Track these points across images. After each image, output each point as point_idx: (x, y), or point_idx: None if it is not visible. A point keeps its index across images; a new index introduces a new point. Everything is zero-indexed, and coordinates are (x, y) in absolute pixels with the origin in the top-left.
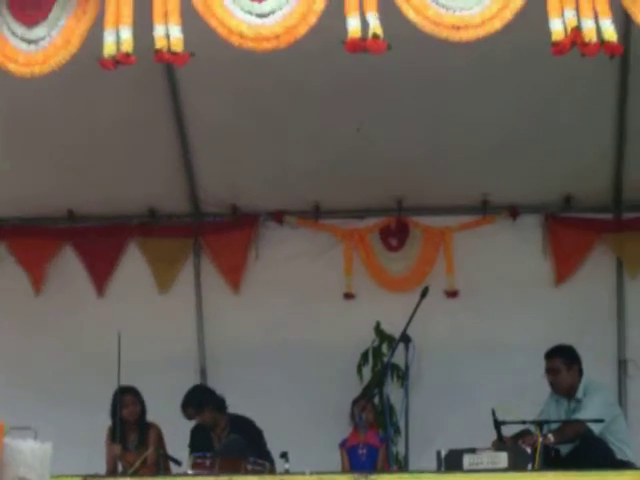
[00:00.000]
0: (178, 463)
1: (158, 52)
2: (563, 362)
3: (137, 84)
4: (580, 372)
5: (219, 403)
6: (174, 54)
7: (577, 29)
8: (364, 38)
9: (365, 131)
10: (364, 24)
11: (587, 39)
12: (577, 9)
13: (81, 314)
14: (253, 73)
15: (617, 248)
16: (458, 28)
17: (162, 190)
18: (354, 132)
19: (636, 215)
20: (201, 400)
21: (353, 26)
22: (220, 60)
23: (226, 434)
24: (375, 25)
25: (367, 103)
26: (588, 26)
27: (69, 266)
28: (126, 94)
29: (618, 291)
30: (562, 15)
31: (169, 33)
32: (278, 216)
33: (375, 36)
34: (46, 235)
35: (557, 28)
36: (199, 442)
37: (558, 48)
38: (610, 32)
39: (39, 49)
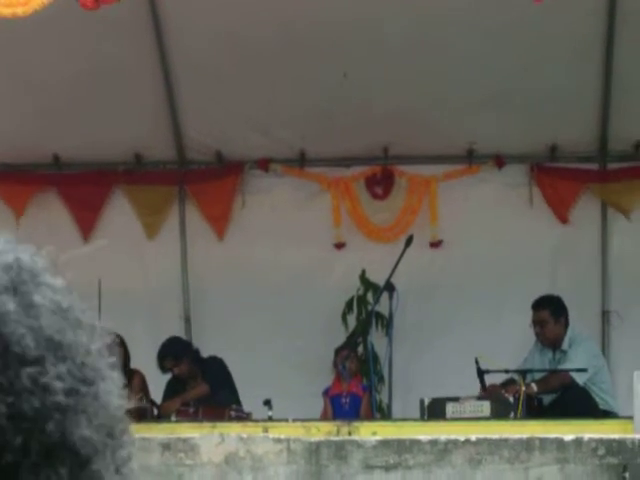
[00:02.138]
0: (158, 407)
1: None
2: (550, 314)
3: (121, 27)
4: (566, 323)
5: (195, 354)
6: None
7: None
8: None
9: (351, 79)
10: None
11: None
12: None
13: (66, 259)
14: (239, 17)
15: (603, 198)
16: None
17: (148, 137)
18: (341, 79)
19: (621, 165)
20: (178, 351)
21: None
22: (204, 4)
23: (200, 380)
24: None
25: (353, 50)
26: None
27: (54, 212)
28: (111, 38)
29: (602, 242)
30: None
31: None
32: (263, 164)
33: None
34: (31, 181)
35: None
36: (173, 393)
37: None
38: None
39: None
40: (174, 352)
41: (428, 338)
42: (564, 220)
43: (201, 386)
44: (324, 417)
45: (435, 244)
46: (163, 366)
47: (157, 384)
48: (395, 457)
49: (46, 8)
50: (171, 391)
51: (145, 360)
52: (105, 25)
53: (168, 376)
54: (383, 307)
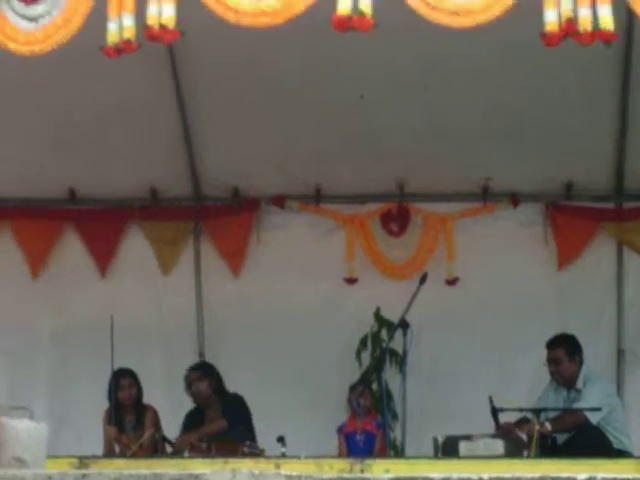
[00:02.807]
0: (174, 445)
1: (148, 28)
2: (565, 352)
3: (139, 64)
4: (581, 362)
5: (220, 384)
6: (163, 30)
7: (571, 20)
8: (350, 16)
9: (367, 115)
10: (355, 1)
11: (581, 29)
12: None
13: (82, 295)
14: (255, 55)
15: (618, 237)
16: (457, 14)
17: (164, 173)
18: (355, 117)
19: (637, 204)
20: (207, 370)
21: (344, 3)
22: (221, 38)
23: (220, 415)
24: (364, 2)
25: (368, 87)
26: (584, 14)
27: (71, 247)
28: (128, 75)
29: (618, 280)
30: (558, 6)
31: (162, 12)
32: (279, 200)
33: (362, 13)
34: (48, 216)
35: (551, 19)
36: (192, 426)
37: (547, 39)
38: (607, 20)
39: (39, 27)
40: (203, 368)
41: (442, 375)
42: (564, 265)
43: (219, 421)
44: (339, 454)
45: (451, 282)
46: (188, 378)
47: (170, 419)
48: None
49: (64, 46)
50: (190, 423)
51: (158, 395)
52: (122, 62)
53: (182, 410)
54: (397, 344)
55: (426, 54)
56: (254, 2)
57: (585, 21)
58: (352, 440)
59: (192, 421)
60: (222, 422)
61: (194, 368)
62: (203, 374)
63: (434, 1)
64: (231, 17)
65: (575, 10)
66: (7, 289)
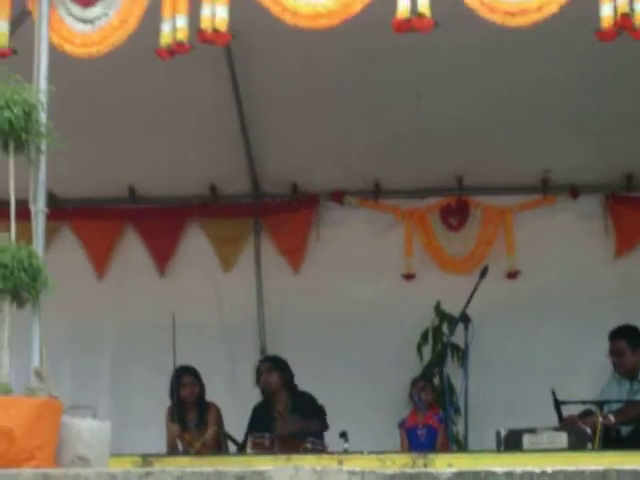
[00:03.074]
0: (237, 443)
1: (201, 31)
2: (627, 344)
3: (197, 63)
4: None
5: (291, 379)
6: (216, 33)
7: (627, 15)
8: (409, 18)
9: (425, 108)
10: (414, 3)
11: (637, 23)
12: None
13: (143, 294)
14: (312, 48)
15: None
16: (513, 14)
17: (223, 170)
18: (413, 109)
19: None
20: (279, 363)
21: (402, 4)
22: (278, 36)
23: (288, 411)
24: (422, 3)
25: (425, 79)
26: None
27: (131, 246)
28: (186, 72)
29: None
30: (614, 0)
31: (215, 13)
32: (338, 196)
33: (421, 15)
34: (108, 216)
35: (607, 14)
36: (259, 420)
37: (603, 34)
38: None
39: (95, 29)
40: (274, 361)
41: (504, 369)
42: (622, 253)
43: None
44: (401, 449)
45: (512, 274)
46: (259, 369)
47: (233, 417)
48: None
49: (121, 48)
50: (257, 417)
51: (221, 392)
52: (181, 61)
53: (245, 408)
54: (458, 338)
55: (483, 47)
56: (311, 3)
57: None
58: (414, 435)
59: (259, 415)
60: (315, 423)
61: (265, 360)
62: (273, 366)
63: (491, 1)
64: (288, 18)
65: (631, 4)
66: (71, 289)
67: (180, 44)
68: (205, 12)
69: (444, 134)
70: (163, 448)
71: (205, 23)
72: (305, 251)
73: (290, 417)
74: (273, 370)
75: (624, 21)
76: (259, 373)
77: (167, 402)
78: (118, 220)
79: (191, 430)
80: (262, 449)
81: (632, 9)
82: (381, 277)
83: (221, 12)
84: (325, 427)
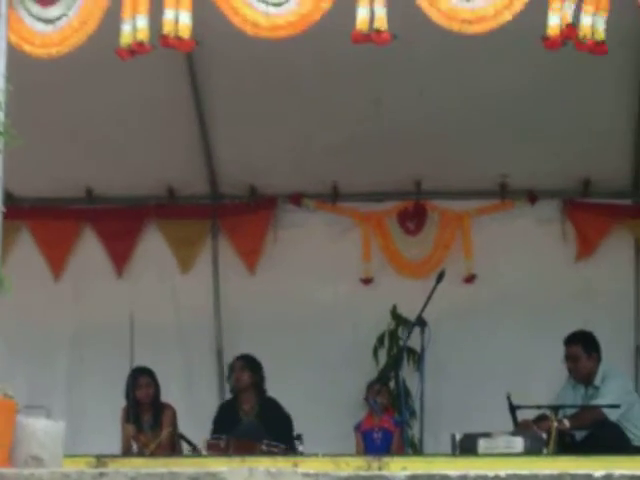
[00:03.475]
0: (192, 445)
1: (164, 37)
2: (582, 349)
3: (156, 63)
4: (599, 359)
5: (262, 382)
6: (179, 40)
7: (572, 25)
8: (368, 33)
9: (383, 112)
10: (372, 15)
11: (582, 35)
12: (578, 4)
13: (99, 295)
14: (271, 52)
15: (635, 234)
16: (470, 22)
17: (181, 171)
18: (372, 113)
19: None
20: (254, 364)
21: (361, 17)
22: (238, 39)
23: (254, 415)
24: (379, 18)
25: (384, 83)
26: (586, 22)
27: (88, 247)
28: (144, 73)
29: (635, 278)
30: (561, 9)
31: (178, 18)
32: (296, 199)
33: (378, 30)
34: (65, 217)
35: (554, 23)
36: (224, 419)
37: (550, 42)
38: (599, 32)
39: (56, 30)
40: (248, 360)
41: (460, 373)
42: (583, 257)
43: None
44: (357, 452)
45: (469, 279)
46: (232, 365)
47: (187, 418)
48: None
49: (80, 48)
50: (223, 415)
51: (176, 394)
52: (139, 62)
53: (200, 409)
54: (414, 342)
55: (442, 53)
56: (270, 16)
57: (586, 29)
58: (370, 438)
59: (225, 413)
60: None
61: (240, 358)
62: (246, 365)
63: (448, 10)
64: (248, 29)
65: (577, 16)
66: (27, 289)
67: (140, 44)
68: (168, 16)
69: (402, 138)
70: (117, 449)
71: (168, 27)
72: (262, 253)
73: (257, 424)
74: (246, 369)
75: (569, 31)
76: (232, 369)
77: (122, 403)
78: (75, 220)
79: (146, 431)
80: (217, 451)
81: (577, 20)
82: (339, 280)
83: (184, 18)
84: (289, 440)
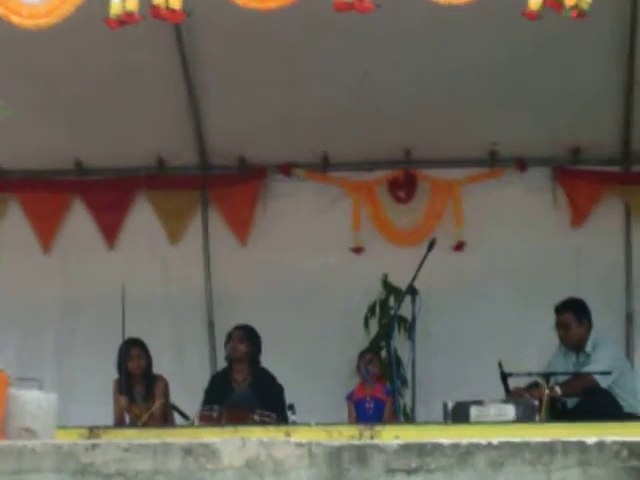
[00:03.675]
0: (184, 416)
1: (155, 8)
2: (573, 316)
3: (144, 34)
4: (590, 326)
5: (257, 354)
6: (171, 11)
7: None
8: (350, 1)
9: (372, 81)
10: None
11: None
12: None
13: (89, 267)
14: (260, 21)
15: (625, 201)
16: None
17: (170, 142)
18: (362, 81)
19: None
20: (252, 335)
21: None
22: (227, 8)
23: (247, 385)
24: None
25: (374, 51)
26: None
27: (77, 219)
28: (133, 44)
29: (626, 244)
30: None
31: None
32: (286, 168)
33: None
34: (54, 188)
35: None
36: (216, 389)
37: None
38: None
39: (43, 0)
40: (246, 330)
41: (451, 341)
42: (578, 223)
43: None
44: (349, 422)
45: (458, 247)
46: (230, 334)
47: (179, 389)
48: (417, 461)
49: (68, 19)
50: (215, 384)
51: (168, 365)
52: (127, 31)
53: (191, 380)
54: (406, 311)
55: (429, 20)
56: None
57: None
58: (362, 407)
59: (218, 383)
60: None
61: (239, 327)
62: (244, 335)
63: None
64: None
65: None
66: (17, 262)
67: (130, 14)
68: None
69: (392, 107)
70: (109, 421)
71: None
72: (252, 223)
73: (249, 394)
74: (243, 339)
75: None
76: (229, 338)
77: (113, 375)
78: (64, 192)
79: (138, 402)
80: (210, 421)
81: None
82: (329, 250)
83: None
84: (282, 410)
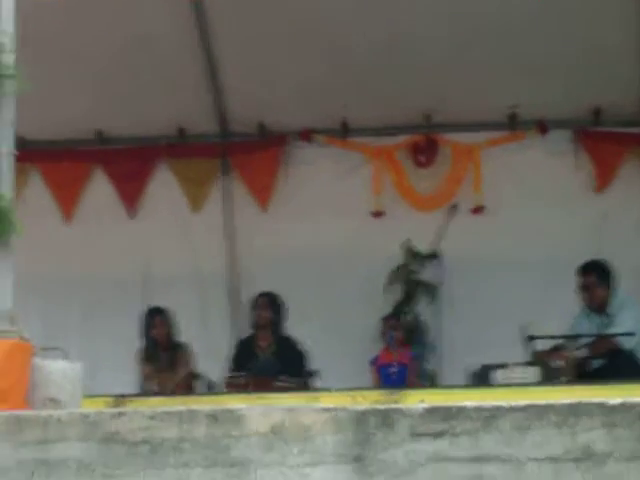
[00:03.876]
0: (210, 383)
1: None
2: (597, 278)
3: (163, 3)
4: (613, 287)
5: (281, 322)
6: None
7: None
8: None
9: (392, 45)
10: None
11: None
12: None
13: (111, 237)
14: None
15: None
16: None
17: (190, 110)
18: (381, 48)
19: None
20: (277, 302)
21: None
22: None
23: (270, 352)
24: None
25: (392, 15)
26: None
27: (99, 189)
28: (152, 13)
29: None
30: None
31: None
32: (306, 135)
33: None
34: (76, 158)
35: None
36: (241, 355)
37: None
38: None
39: None
40: (272, 299)
41: (474, 305)
42: (603, 187)
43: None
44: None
45: (477, 210)
46: (255, 301)
47: (204, 357)
48: (442, 424)
49: None
50: (241, 351)
51: (193, 332)
52: (146, 1)
53: (216, 347)
54: (428, 275)
55: None
56: None
57: None
58: (386, 372)
59: (243, 348)
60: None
61: (264, 294)
62: (269, 303)
63: None
64: None
65: None
66: (39, 231)
67: None
68: None
69: (411, 72)
70: (135, 389)
71: None
72: (274, 190)
73: (273, 361)
74: (267, 306)
75: None
76: (254, 305)
77: (138, 343)
78: (85, 162)
79: (163, 370)
80: (236, 388)
81: None
82: (350, 216)
83: None
84: (307, 375)
